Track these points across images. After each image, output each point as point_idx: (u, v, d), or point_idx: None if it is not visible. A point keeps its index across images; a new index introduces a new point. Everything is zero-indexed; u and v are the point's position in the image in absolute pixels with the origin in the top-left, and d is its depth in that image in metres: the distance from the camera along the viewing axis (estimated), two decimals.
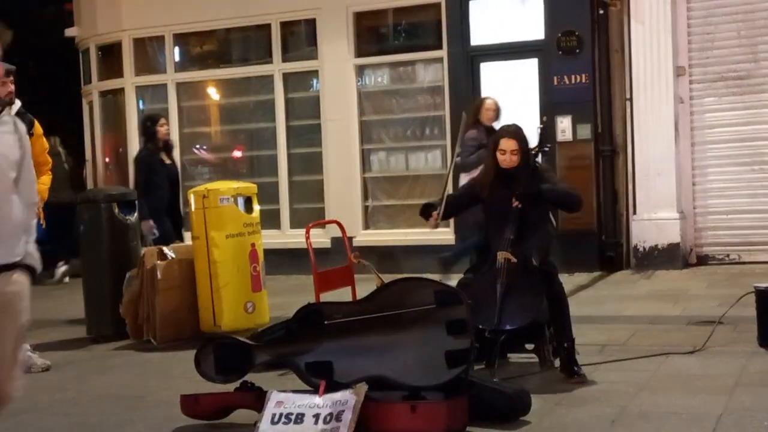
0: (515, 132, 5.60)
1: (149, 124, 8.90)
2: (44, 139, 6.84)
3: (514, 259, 5.47)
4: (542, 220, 5.68)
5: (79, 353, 7.35)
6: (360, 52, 11.47)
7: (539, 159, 5.91)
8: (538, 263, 5.50)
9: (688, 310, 7.42)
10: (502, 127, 5.68)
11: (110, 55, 12.97)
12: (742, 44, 10.05)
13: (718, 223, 10.17)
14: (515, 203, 5.48)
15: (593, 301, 8.25)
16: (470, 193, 5.74)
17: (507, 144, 5.54)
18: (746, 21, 10.04)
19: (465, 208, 6.22)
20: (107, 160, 13.38)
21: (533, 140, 5.85)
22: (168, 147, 9.02)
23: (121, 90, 12.74)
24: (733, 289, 7.09)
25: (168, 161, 8.94)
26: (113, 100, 13.09)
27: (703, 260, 10.16)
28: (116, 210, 7.86)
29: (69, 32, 13.67)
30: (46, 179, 6.87)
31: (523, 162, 5.57)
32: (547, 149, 6.10)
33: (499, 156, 5.56)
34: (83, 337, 7.82)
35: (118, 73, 12.73)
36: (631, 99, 10.27)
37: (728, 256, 10.09)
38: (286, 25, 11.86)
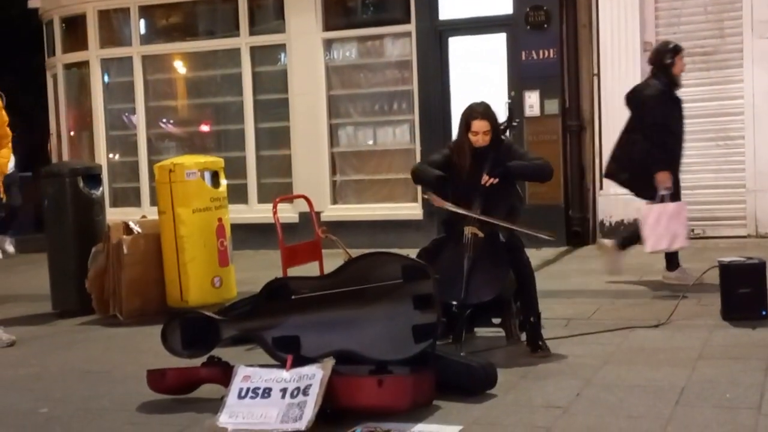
0: (485, 112, 5.60)
1: (670, 54, 7.42)
2: (4, 112, 6.75)
3: (480, 234, 5.50)
4: (509, 195, 5.70)
5: (44, 328, 7.30)
6: (328, 26, 11.41)
7: (508, 134, 5.93)
8: (505, 238, 5.53)
9: (652, 285, 7.49)
10: (473, 108, 5.64)
11: (74, 27, 12.80)
12: (709, 20, 10.11)
13: (684, 199, 10.25)
14: (487, 181, 5.49)
15: (559, 275, 8.31)
16: (446, 163, 5.70)
17: (479, 125, 5.55)
18: None
19: None
20: (72, 133, 13.24)
21: (502, 115, 5.85)
22: (677, 84, 7.47)
23: (86, 63, 12.60)
24: (698, 264, 7.17)
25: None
26: (78, 72, 12.94)
27: None
28: (81, 184, 7.79)
29: (32, 3, 13.48)
30: (6, 152, 6.81)
31: (494, 140, 5.60)
32: (515, 124, 6.12)
33: (471, 137, 5.57)
34: (48, 312, 7.77)
35: (83, 45, 12.58)
36: (598, 74, 10.31)
37: (692, 230, 10.18)
38: None
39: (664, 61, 7.42)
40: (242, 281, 7.76)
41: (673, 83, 7.40)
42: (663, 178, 7.19)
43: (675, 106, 7.39)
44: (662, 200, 7.22)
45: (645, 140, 7.24)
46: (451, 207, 5.52)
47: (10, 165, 11.28)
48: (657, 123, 7.22)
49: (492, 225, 5.52)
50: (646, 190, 7.40)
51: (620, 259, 7.67)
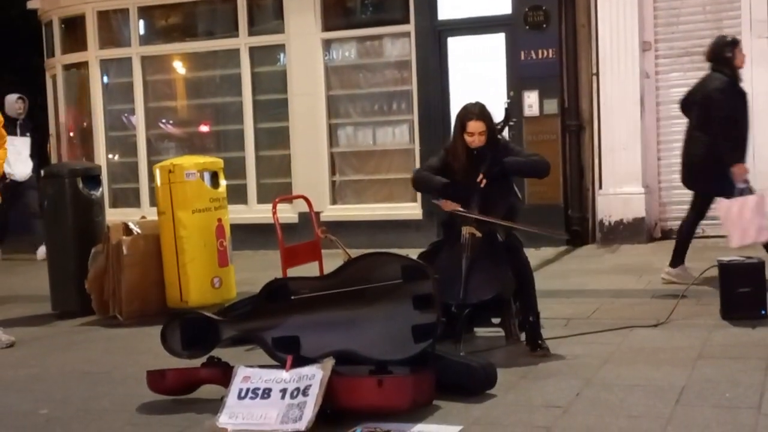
0: (481, 113, 5.60)
1: (729, 48, 7.34)
2: None
3: (478, 234, 5.50)
4: (507, 194, 5.69)
5: (44, 329, 7.30)
6: (327, 26, 11.40)
7: (505, 133, 5.93)
8: (504, 238, 5.54)
9: (652, 284, 7.49)
10: (468, 109, 5.63)
11: (74, 27, 12.79)
12: (708, 19, 10.10)
13: (682, 198, 10.17)
14: (482, 181, 5.49)
15: (559, 275, 8.31)
16: (444, 166, 5.71)
17: (475, 126, 5.55)
18: None
19: None
20: (71, 134, 13.23)
21: (499, 115, 5.85)
22: (739, 77, 7.43)
23: (85, 63, 12.58)
24: (697, 263, 7.17)
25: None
26: (77, 73, 12.93)
27: (667, 234, 10.23)
28: (80, 185, 7.79)
29: (31, 4, 13.47)
30: (2, 153, 6.81)
31: (490, 140, 5.60)
32: (512, 123, 6.12)
33: (467, 138, 5.58)
34: (48, 313, 7.77)
35: (82, 46, 12.56)
36: (597, 74, 10.30)
37: None
38: None
39: (724, 54, 7.30)
40: (242, 281, 7.76)
41: (736, 76, 7.31)
42: (740, 171, 7.05)
43: (740, 99, 7.29)
44: (741, 193, 7.06)
45: (711, 135, 7.11)
46: (464, 212, 5.51)
47: (27, 170, 11.35)
48: (725, 116, 7.06)
49: (492, 225, 5.52)
50: (699, 183, 7.34)
51: (684, 273, 7.37)
